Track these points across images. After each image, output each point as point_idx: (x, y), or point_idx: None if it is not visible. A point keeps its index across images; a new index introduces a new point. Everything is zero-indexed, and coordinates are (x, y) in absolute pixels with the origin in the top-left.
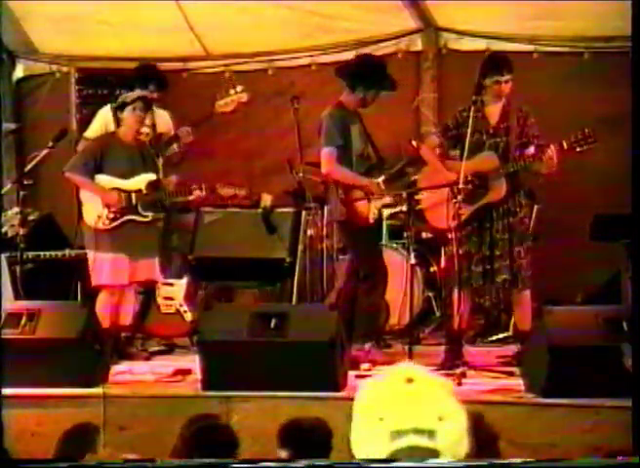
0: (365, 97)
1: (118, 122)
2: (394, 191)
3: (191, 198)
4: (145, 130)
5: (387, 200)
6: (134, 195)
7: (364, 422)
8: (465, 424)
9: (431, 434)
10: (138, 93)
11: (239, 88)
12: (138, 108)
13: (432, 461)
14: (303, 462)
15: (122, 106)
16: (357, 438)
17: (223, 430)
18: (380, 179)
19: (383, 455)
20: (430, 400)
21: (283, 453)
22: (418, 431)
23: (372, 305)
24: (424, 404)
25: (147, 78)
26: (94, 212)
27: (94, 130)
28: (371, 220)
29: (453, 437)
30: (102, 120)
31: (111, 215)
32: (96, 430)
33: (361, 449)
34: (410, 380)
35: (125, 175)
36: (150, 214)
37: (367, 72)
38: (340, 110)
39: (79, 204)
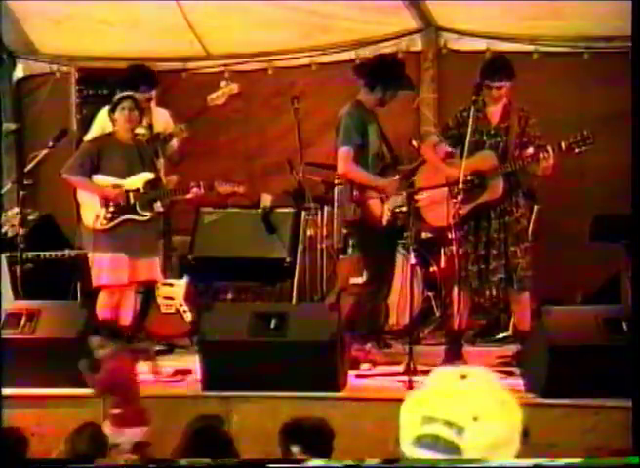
0: (383, 97)
1: (114, 123)
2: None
3: (189, 196)
4: (141, 130)
5: (399, 201)
6: (132, 194)
7: (407, 404)
8: (508, 435)
9: (460, 430)
10: (123, 92)
11: (230, 80)
12: (126, 108)
13: (431, 458)
14: (317, 462)
15: (114, 107)
16: (401, 418)
17: (221, 434)
18: (396, 178)
19: (410, 438)
20: (473, 399)
21: (295, 449)
22: (448, 423)
23: (374, 307)
24: (465, 401)
25: (137, 79)
26: (91, 212)
27: (93, 133)
28: (384, 222)
29: (483, 440)
30: (101, 122)
31: (109, 215)
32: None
33: (401, 430)
34: (463, 377)
35: (122, 175)
36: (149, 214)
37: (387, 71)
38: (359, 109)
39: (78, 204)
